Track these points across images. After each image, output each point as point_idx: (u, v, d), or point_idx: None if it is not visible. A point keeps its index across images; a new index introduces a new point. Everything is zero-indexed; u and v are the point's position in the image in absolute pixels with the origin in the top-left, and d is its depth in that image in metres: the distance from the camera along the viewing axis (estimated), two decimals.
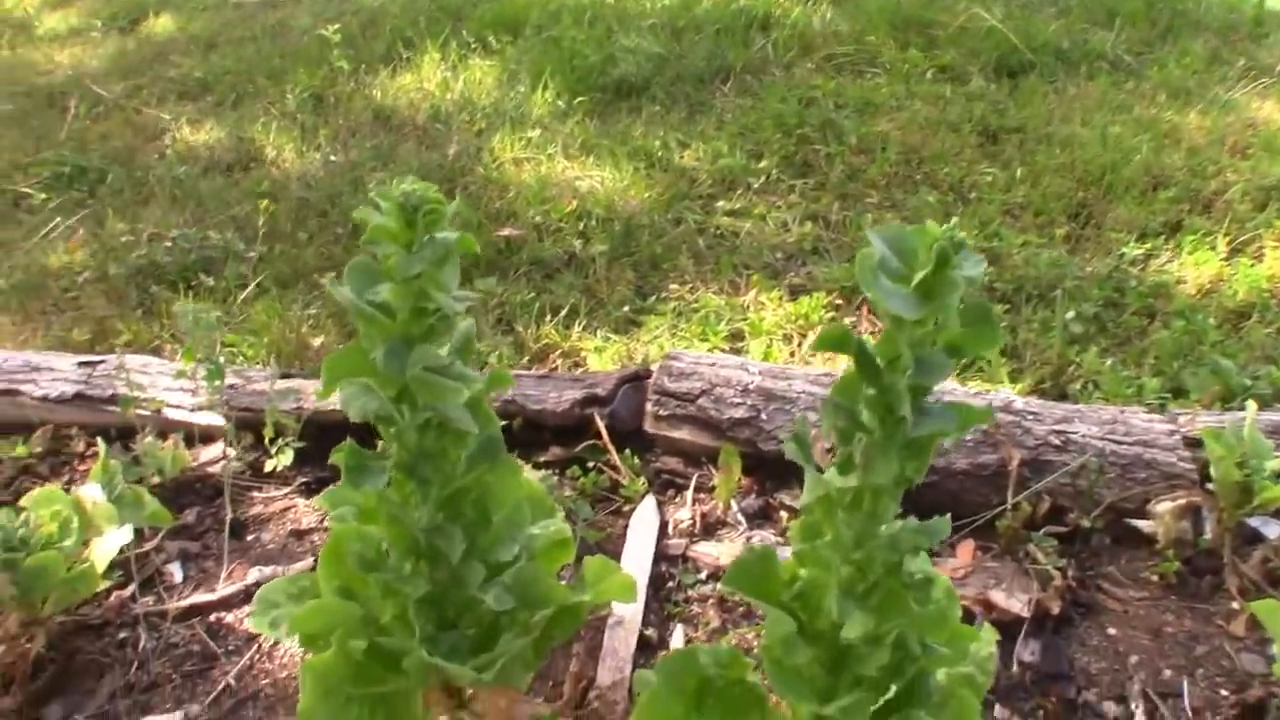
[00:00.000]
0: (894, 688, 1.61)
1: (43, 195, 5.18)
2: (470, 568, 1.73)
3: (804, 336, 3.64)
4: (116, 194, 5.17)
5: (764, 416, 2.79)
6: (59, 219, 4.91)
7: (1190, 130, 5.00)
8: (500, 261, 4.22)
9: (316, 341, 3.84)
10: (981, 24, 5.86)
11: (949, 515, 1.59)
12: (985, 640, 1.86)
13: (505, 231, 4.35)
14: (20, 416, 3.41)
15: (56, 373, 3.42)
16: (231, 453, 3.05)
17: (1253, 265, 3.96)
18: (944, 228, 1.30)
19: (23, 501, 2.68)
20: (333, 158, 5.26)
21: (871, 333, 3.68)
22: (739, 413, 2.80)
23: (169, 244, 4.48)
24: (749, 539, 2.65)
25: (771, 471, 2.81)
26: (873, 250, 1.33)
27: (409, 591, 1.71)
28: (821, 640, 1.62)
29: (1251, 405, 2.73)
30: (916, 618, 1.55)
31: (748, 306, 3.83)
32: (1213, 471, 2.58)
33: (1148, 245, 4.10)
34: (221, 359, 3.09)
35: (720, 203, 4.52)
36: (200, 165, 5.37)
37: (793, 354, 3.55)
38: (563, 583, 2.00)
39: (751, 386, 2.84)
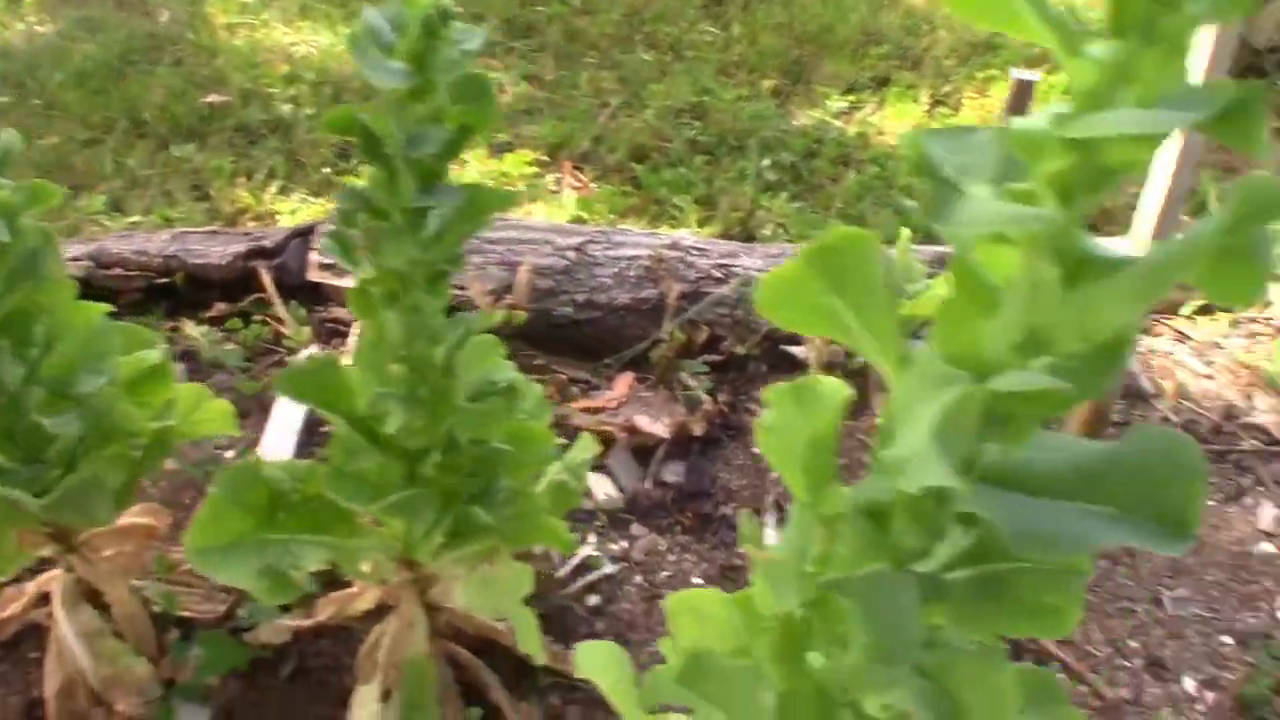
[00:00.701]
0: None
1: None
2: (29, 393, 1.66)
3: None
4: None
5: None
6: None
7: None
8: (202, 129, 4.06)
9: None
10: None
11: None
12: (582, 448, 1.88)
13: (210, 98, 4.18)
14: None
15: None
16: None
17: (951, 115, 4.06)
18: None
19: None
20: (38, 29, 4.97)
21: (575, 188, 3.67)
22: None
23: None
24: None
25: None
26: (364, 27, 1.29)
27: None
28: (392, 448, 1.60)
29: (905, 232, 2.80)
30: (470, 415, 1.54)
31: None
32: None
33: (853, 98, 4.16)
34: None
35: None
36: None
37: None
38: None
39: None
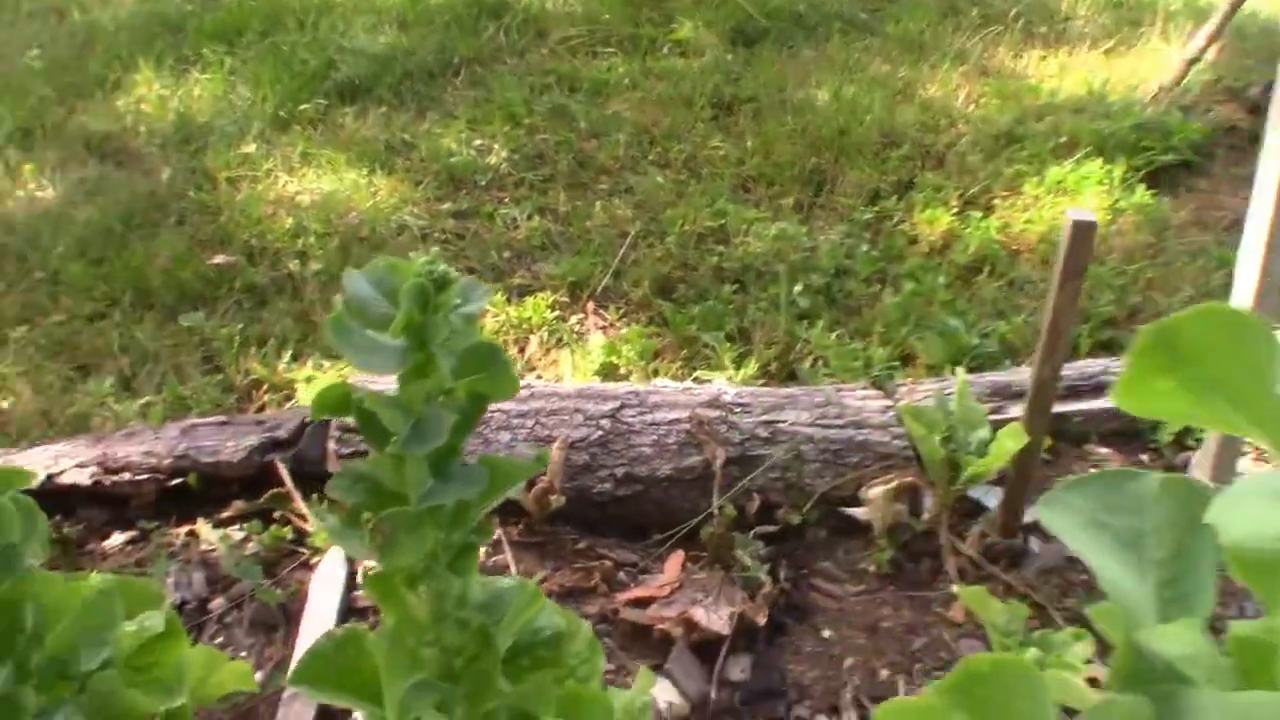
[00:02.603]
0: None
1: None
2: (22, 692, 1.48)
3: (528, 340, 3.44)
4: None
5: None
6: None
7: (924, 84, 4.95)
8: (210, 293, 3.92)
9: (4, 404, 3.50)
10: None
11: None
12: (641, 687, 1.69)
13: (217, 260, 4.05)
14: None
15: None
16: None
17: (983, 218, 3.90)
18: (423, 259, 1.09)
19: None
20: (39, 195, 4.87)
21: (599, 328, 3.51)
22: None
23: None
24: None
25: None
26: (349, 297, 1.12)
27: None
28: None
29: (960, 373, 2.62)
30: (515, 697, 1.35)
31: None
32: (920, 450, 2.46)
33: (879, 207, 4.01)
34: None
35: (446, 204, 4.29)
36: None
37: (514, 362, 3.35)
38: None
39: None
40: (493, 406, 2.55)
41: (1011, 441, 2.29)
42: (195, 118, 5.26)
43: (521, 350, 3.40)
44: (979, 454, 2.41)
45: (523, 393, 2.67)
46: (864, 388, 2.79)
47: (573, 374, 3.24)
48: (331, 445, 2.65)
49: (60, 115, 5.54)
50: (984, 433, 2.46)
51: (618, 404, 2.60)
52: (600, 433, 2.53)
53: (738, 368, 3.19)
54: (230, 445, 2.68)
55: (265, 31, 5.95)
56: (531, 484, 2.47)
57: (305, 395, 3.31)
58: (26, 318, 3.96)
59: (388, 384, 1.13)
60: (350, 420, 2.52)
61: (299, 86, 5.24)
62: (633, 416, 2.57)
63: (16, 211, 4.74)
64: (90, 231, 4.37)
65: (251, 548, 2.57)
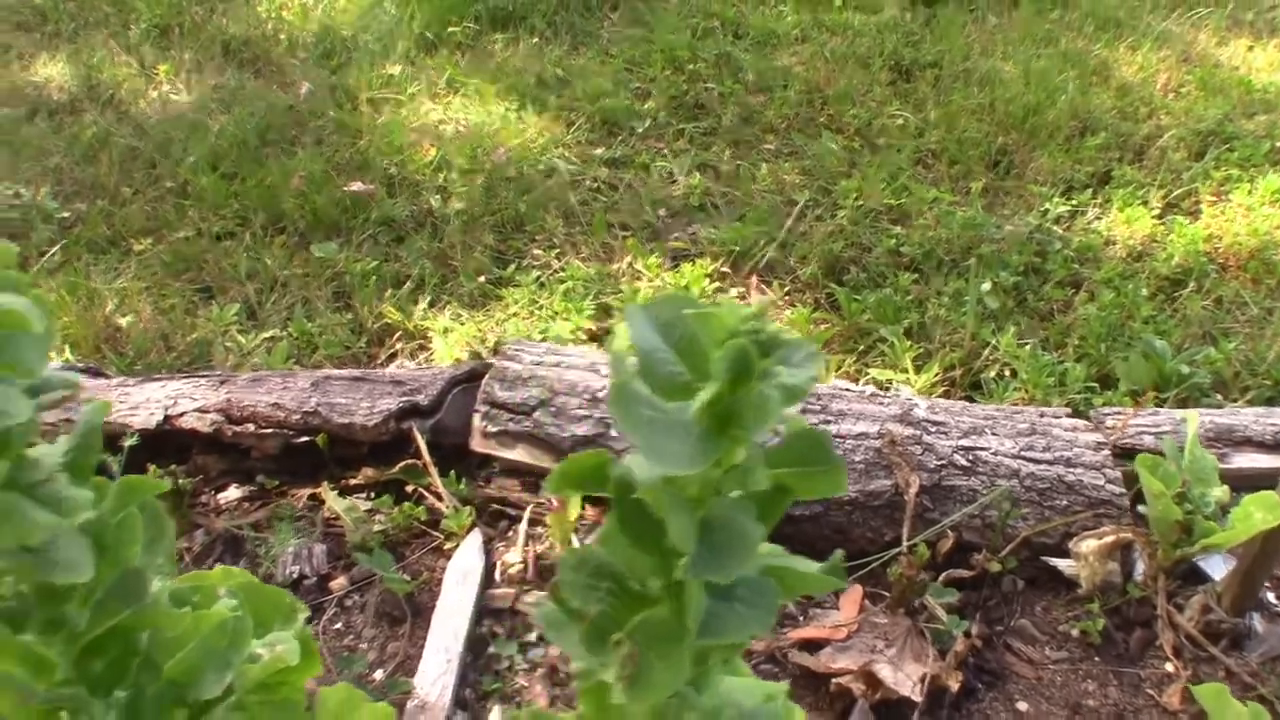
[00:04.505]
0: None
1: None
2: None
3: None
4: None
5: (614, 434, 2.31)
6: None
7: (1120, 66, 4.55)
8: (345, 222, 3.68)
9: (124, 321, 3.30)
10: None
11: None
12: None
13: (353, 187, 3.81)
14: None
15: None
16: None
17: (1188, 223, 3.52)
18: (746, 310, 0.81)
19: None
20: (173, 98, 4.67)
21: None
22: (583, 429, 2.32)
23: None
24: None
25: None
26: (631, 344, 0.84)
27: None
28: None
29: (1192, 419, 2.28)
30: None
31: (621, 276, 3.33)
32: (1148, 508, 2.14)
33: (1074, 201, 3.64)
34: None
35: (599, 150, 4.00)
36: (25, 107, 4.75)
37: None
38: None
39: (602, 394, 2.35)
40: None
41: (1263, 514, 1.96)
42: (338, 30, 5.03)
43: None
44: (1212, 516, 2.09)
45: None
46: (1069, 414, 2.46)
47: None
48: (477, 421, 2.39)
49: (200, 15, 5.33)
50: (1218, 491, 2.13)
51: (799, 407, 2.31)
52: (778, 439, 2.24)
53: (917, 370, 2.87)
54: (365, 406, 2.43)
55: None
56: None
57: (441, 347, 3.07)
58: (153, 229, 3.76)
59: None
60: (500, 395, 2.27)
61: (449, 7, 4.97)
62: (815, 424, 2.28)
63: (149, 114, 4.55)
64: (224, 143, 4.16)
65: (379, 523, 2.32)
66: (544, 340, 2.97)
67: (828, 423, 2.29)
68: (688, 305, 0.83)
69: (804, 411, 2.30)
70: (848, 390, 2.50)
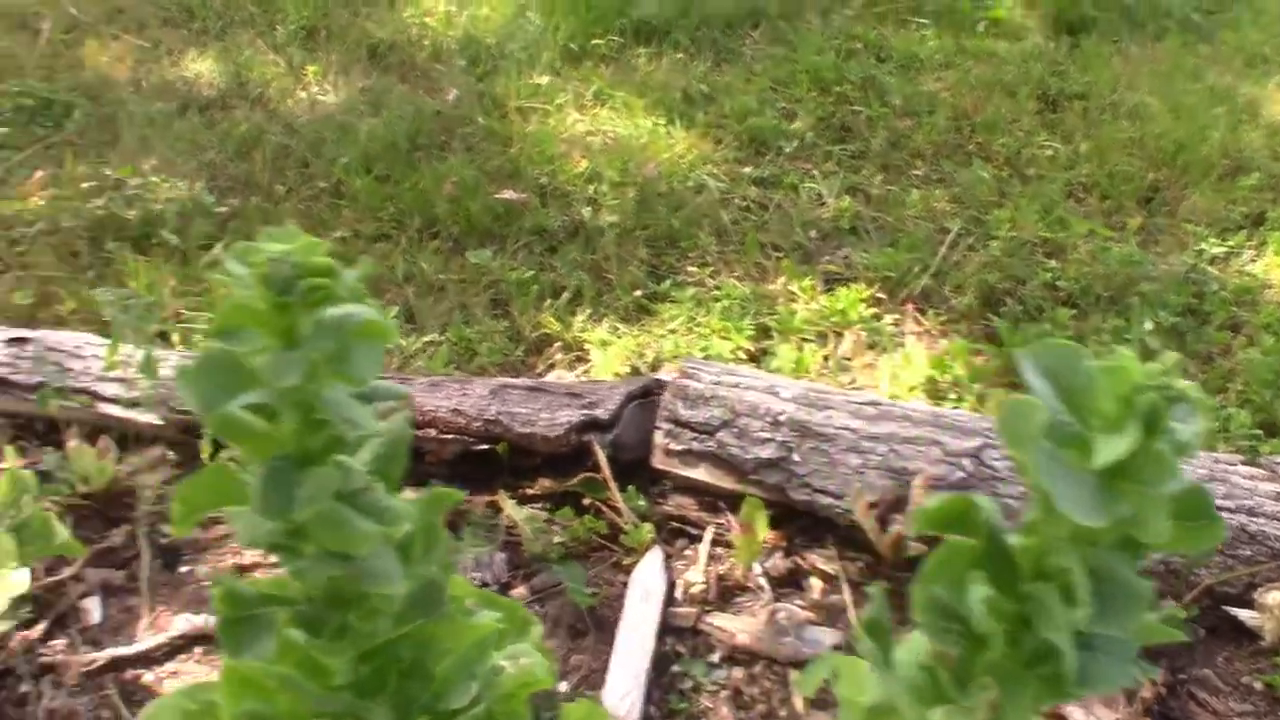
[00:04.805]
0: None
1: (3, 129, 4.71)
2: None
3: (839, 336, 3.18)
4: (83, 131, 4.69)
5: (796, 457, 2.33)
6: (15, 159, 4.46)
7: (1270, 104, 4.49)
8: (498, 230, 3.74)
9: None
10: None
11: None
12: None
13: (505, 194, 3.87)
14: None
15: None
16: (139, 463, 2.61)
17: None
18: (1151, 365, 0.82)
19: None
20: (321, 98, 4.77)
21: (916, 333, 3.22)
22: (767, 451, 2.35)
23: (131, 193, 4.01)
24: (773, 611, 2.20)
25: (803, 525, 2.36)
26: (1028, 394, 0.86)
27: None
28: None
29: None
30: None
31: (776, 296, 3.35)
32: None
33: (1229, 242, 3.61)
34: (158, 353, 2.65)
35: (747, 169, 4.03)
36: (177, 101, 4.88)
37: (826, 358, 3.09)
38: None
39: (783, 418, 2.38)
40: (841, 424, 2.31)
41: None
42: (482, 38, 5.10)
43: (836, 346, 3.13)
44: None
45: (871, 410, 2.41)
46: (1243, 462, 2.45)
47: (890, 385, 2.96)
48: (659, 438, 2.43)
49: (345, 18, 5.44)
50: None
51: (980, 442, 2.32)
52: (961, 474, 2.26)
53: None
54: (545, 417, 2.48)
55: None
56: (885, 521, 2.21)
57: (600, 360, 3.11)
58: (308, 228, 3.83)
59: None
60: (683, 413, 2.30)
61: (594, 19, 5.02)
62: (997, 459, 2.29)
63: (298, 113, 4.65)
64: (375, 145, 4.24)
65: (558, 539, 2.37)
66: (705, 358, 3.01)
67: (1009, 458, 2.30)
68: (1080, 355, 0.85)
69: (987, 446, 2.31)
70: None
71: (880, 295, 3.34)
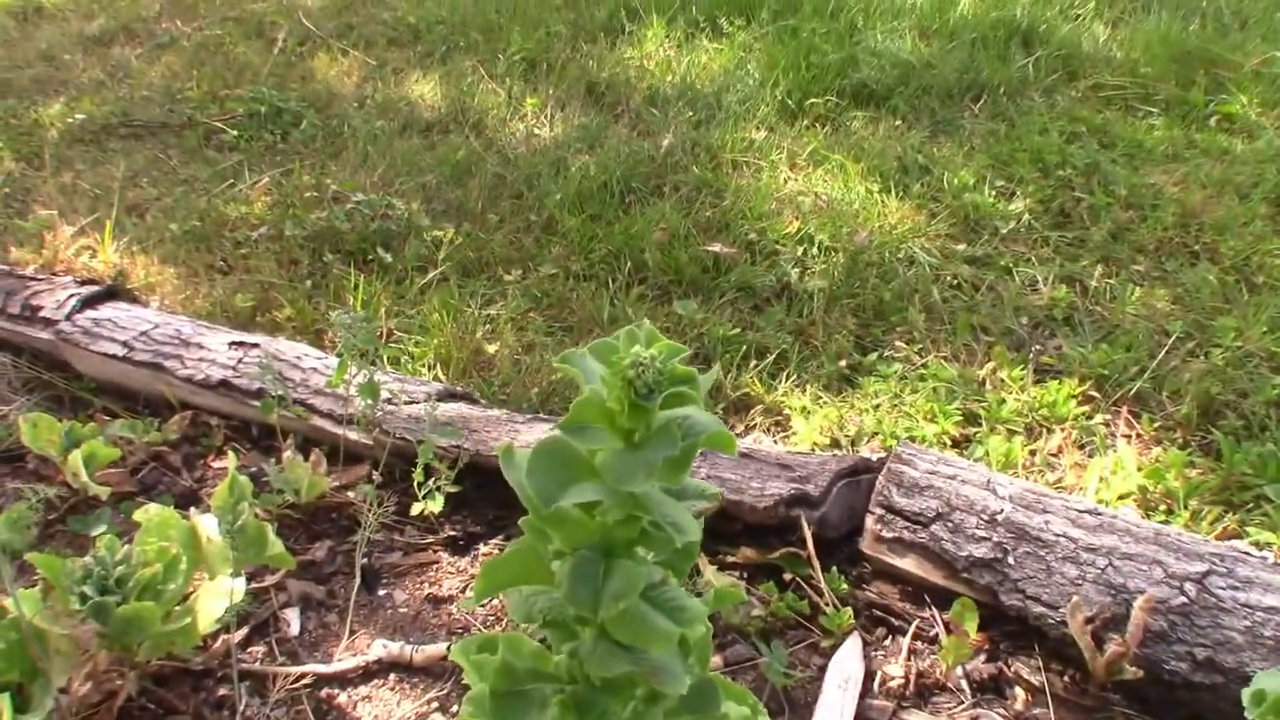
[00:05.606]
0: None
1: (234, 133, 4.90)
2: None
3: (1049, 431, 3.09)
4: (308, 141, 4.85)
5: (1011, 560, 2.26)
6: (245, 161, 4.63)
7: None
8: (705, 282, 3.74)
9: (491, 348, 3.43)
10: (1278, 69, 5.13)
11: None
12: None
13: (715, 248, 3.87)
14: (160, 394, 3.10)
15: (205, 352, 3.08)
16: (369, 490, 2.65)
17: None
18: None
19: (136, 516, 2.34)
20: (537, 131, 4.85)
21: (1125, 436, 3.11)
22: (981, 550, 2.28)
23: (351, 207, 4.12)
24: (975, 717, 2.14)
25: (1010, 630, 2.29)
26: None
27: None
28: None
29: None
30: None
31: (984, 382, 3.28)
32: None
33: None
34: (377, 375, 2.71)
35: (960, 245, 3.95)
36: (399, 121, 5.01)
37: (1033, 453, 3.00)
38: None
39: (1000, 517, 2.31)
40: (1059, 530, 2.23)
41: None
42: (699, 87, 5.13)
43: (1045, 440, 3.04)
44: None
45: (1091, 520, 2.32)
46: None
47: (1099, 489, 2.86)
48: (870, 523, 2.39)
49: (565, 54, 5.52)
50: None
51: (1205, 567, 2.21)
52: (1184, 599, 2.16)
53: None
54: (755, 486, 2.45)
55: (779, 12, 5.76)
56: (1099, 638, 2.13)
57: (801, 429, 3.07)
58: (518, 259, 3.90)
59: None
60: (898, 501, 2.25)
61: (813, 78, 5.01)
62: (1222, 588, 2.18)
63: (515, 144, 4.73)
64: (588, 184, 4.29)
65: (756, 612, 2.34)
66: (910, 439, 2.95)
67: (1235, 590, 2.19)
68: None
69: (1212, 572, 2.21)
70: (1251, 555, 2.39)
71: (1092, 394, 3.24)
